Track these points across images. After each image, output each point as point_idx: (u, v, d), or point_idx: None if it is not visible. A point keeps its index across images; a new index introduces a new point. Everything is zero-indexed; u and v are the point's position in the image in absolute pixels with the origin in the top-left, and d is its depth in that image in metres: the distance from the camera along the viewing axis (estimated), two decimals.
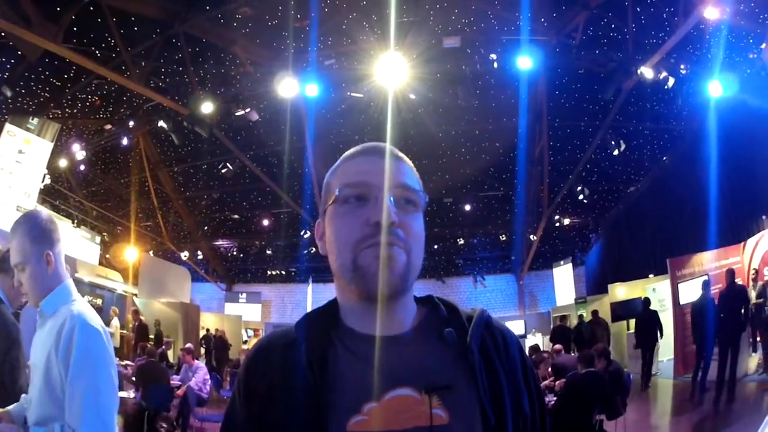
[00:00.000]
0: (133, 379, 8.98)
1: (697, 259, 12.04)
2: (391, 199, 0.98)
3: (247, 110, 13.75)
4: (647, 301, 12.57)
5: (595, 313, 14.91)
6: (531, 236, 21.45)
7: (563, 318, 16.81)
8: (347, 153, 1.10)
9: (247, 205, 22.44)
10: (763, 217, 11.05)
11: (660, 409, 10.08)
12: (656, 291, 13.47)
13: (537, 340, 18.69)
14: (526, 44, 11.80)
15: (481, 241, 24.53)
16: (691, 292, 11.22)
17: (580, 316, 16.49)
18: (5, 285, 2.66)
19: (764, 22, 10.63)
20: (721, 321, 9.08)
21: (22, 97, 13.54)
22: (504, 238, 23.60)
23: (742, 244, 11.40)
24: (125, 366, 10.01)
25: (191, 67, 13.22)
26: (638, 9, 11.56)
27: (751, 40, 11.22)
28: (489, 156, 17.75)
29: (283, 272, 27.50)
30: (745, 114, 11.11)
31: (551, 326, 18.33)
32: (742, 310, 9.08)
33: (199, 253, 25.21)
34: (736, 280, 9.60)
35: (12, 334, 2.55)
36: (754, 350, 10.12)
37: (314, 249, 22.82)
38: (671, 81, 11.61)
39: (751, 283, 10.48)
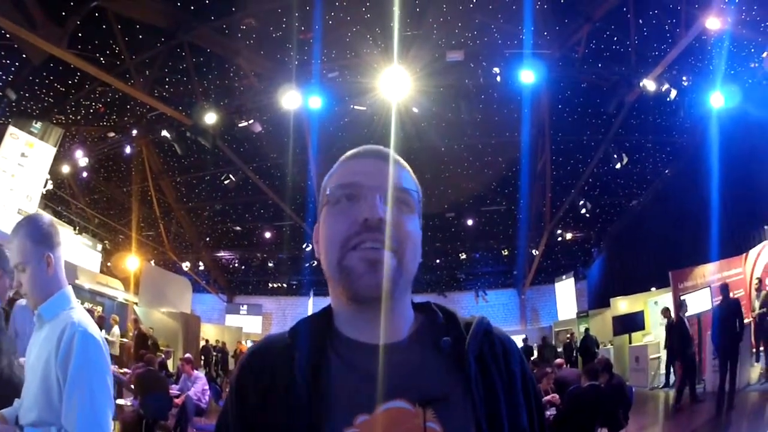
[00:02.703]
0: (132, 387, 8.93)
1: (699, 271, 12.06)
2: (380, 197, 0.96)
3: (251, 122, 13.79)
4: (666, 310, 12.46)
5: (544, 338, 18.24)
6: (533, 251, 21.47)
7: (525, 340, 19.12)
8: (343, 156, 1.08)
9: (250, 217, 22.46)
10: (765, 227, 11.04)
11: (658, 420, 10.03)
12: (658, 304, 13.40)
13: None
14: (528, 58, 11.86)
15: (483, 255, 24.59)
16: (693, 304, 11.24)
17: (543, 338, 18.51)
18: None
19: (766, 30, 10.67)
20: (719, 334, 9.07)
21: (26, 101, 13.58)
22: (506, 253, 23.59)
23: (744, 254, 11.39)
24: (123, 374, 9.93)
25: (195, 77, 13.27)
26: (640, 21, 11.64)
27: (752, 50, 11.26)
28: (492, 170, 17.80)
29: (285, 285, 27.48)
30: (747, 125, 11.17)
31: (552, 341, 18.90)
32: (737, 323, 9.07)
33: (201, 263, 25.23)
34: (730, 294, 9.58)
35: None
36: (757, 360, 10.09)
37: (316, 262, 22.78)
38: (673, 93, 11.61)
39: (754, 292, 10.46)
